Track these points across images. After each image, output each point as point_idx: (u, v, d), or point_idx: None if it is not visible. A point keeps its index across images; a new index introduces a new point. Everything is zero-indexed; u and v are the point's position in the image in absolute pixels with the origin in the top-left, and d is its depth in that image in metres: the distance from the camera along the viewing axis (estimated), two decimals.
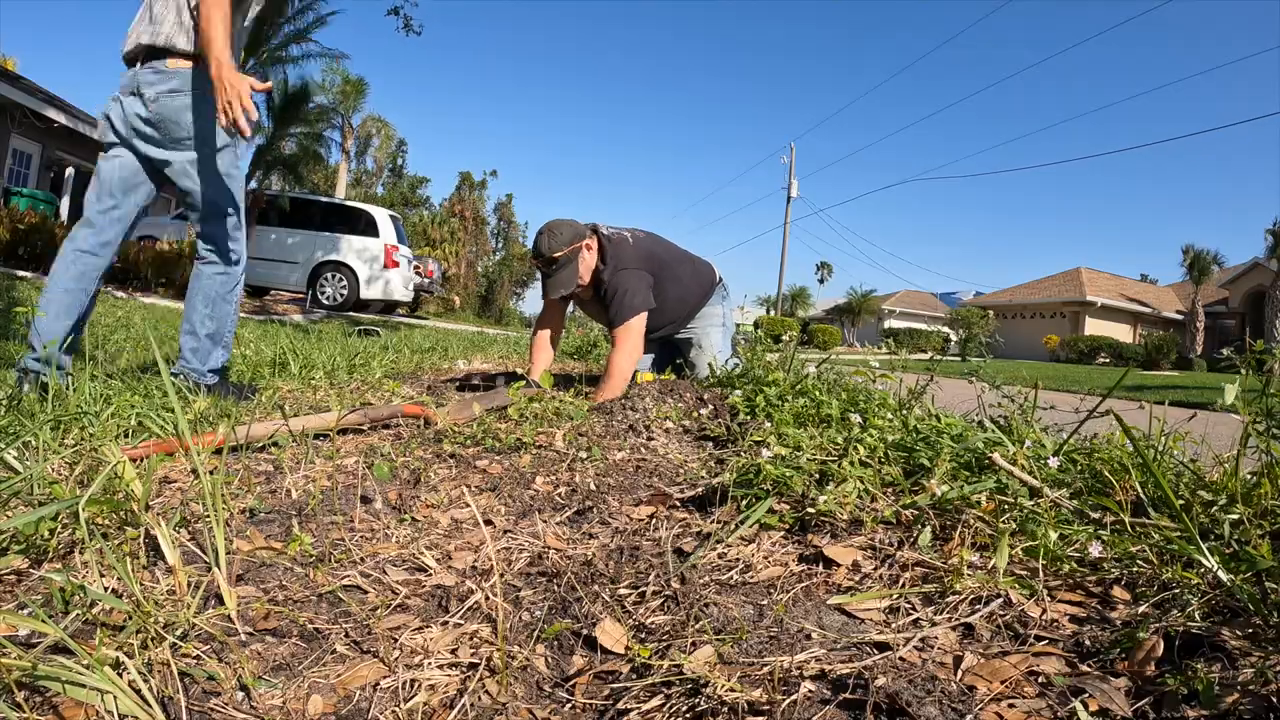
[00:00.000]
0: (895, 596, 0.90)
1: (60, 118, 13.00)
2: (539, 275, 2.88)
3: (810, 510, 1.15)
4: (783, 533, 1.15)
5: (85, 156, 14.43)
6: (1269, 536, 0.90)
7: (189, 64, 2.11)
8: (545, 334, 3.03)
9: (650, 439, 1.89)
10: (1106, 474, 1.12)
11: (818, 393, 2.00)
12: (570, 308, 3.24)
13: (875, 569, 1.00)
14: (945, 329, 33.54)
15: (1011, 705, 0.65)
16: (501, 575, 1.05)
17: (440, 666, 0.81)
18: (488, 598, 0.96)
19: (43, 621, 0.69)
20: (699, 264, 3.14)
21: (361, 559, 1.09)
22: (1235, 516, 0.94)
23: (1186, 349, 24.10)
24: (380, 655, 0.83)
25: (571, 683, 0.80)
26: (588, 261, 2.76)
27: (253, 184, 12.57)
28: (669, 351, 3.25)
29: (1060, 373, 12.60)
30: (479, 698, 0.76)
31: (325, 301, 11.89)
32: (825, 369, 2.56)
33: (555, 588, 1.00)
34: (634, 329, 2.71)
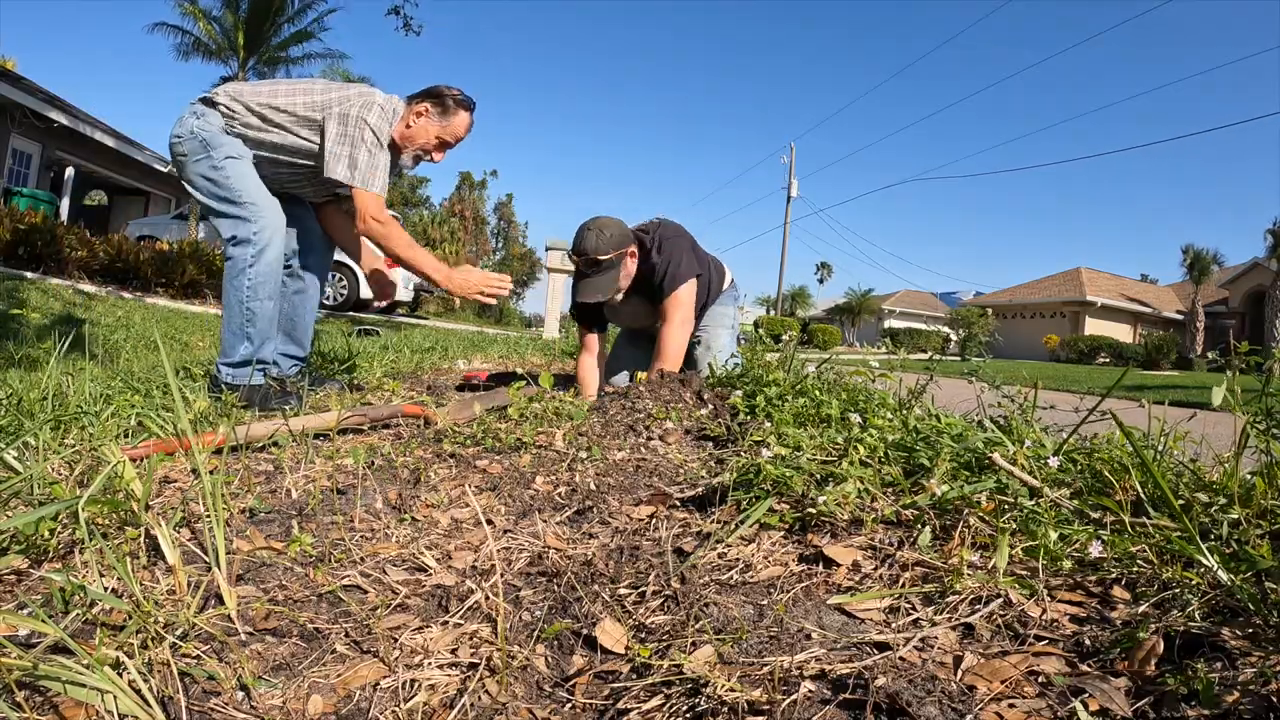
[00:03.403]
0: (895, 596, 0.90)
1: (61, 118, 13.00)
2: (573, 274, 2.66)
3: (810, 510, 1.14)
4: (783, 532, 1.15)
5: (85, 157, 14.43)
6: (1269, 536, 0.90)
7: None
8: (590, 365, 2.85)
9: (650, 439, 1.89)
10: (1106, 474, 1.12)
11: (818, 392, 2.00)
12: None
13: (875, 569, 1.00)
14: (945, 329, 33.53)
15: (1011, 705, 0.65)
16: (501, 575, 1.05)
17: (440, 666, 0.81)
18: (488, 598, 0.96)
19: (43, 621, 0.69)
20: (713, 259, 3.07)
21: (361, 559, 1.09)
22: (1235, 516, 0.94)
23: (1186, 349, 24.09)
24: (380, 655, 0.83)
25: (571, 683, 0.80)
26: (629, 270, 2.61)
27: None
28: None
29: (1060, 373, 12.61)
30: (479, 698, 0.76)
31: (325, 301, 11.86)
32: (825, 369, 2.56)
33: (555, 588, 1.00)
34: (684, 299, 2.55)
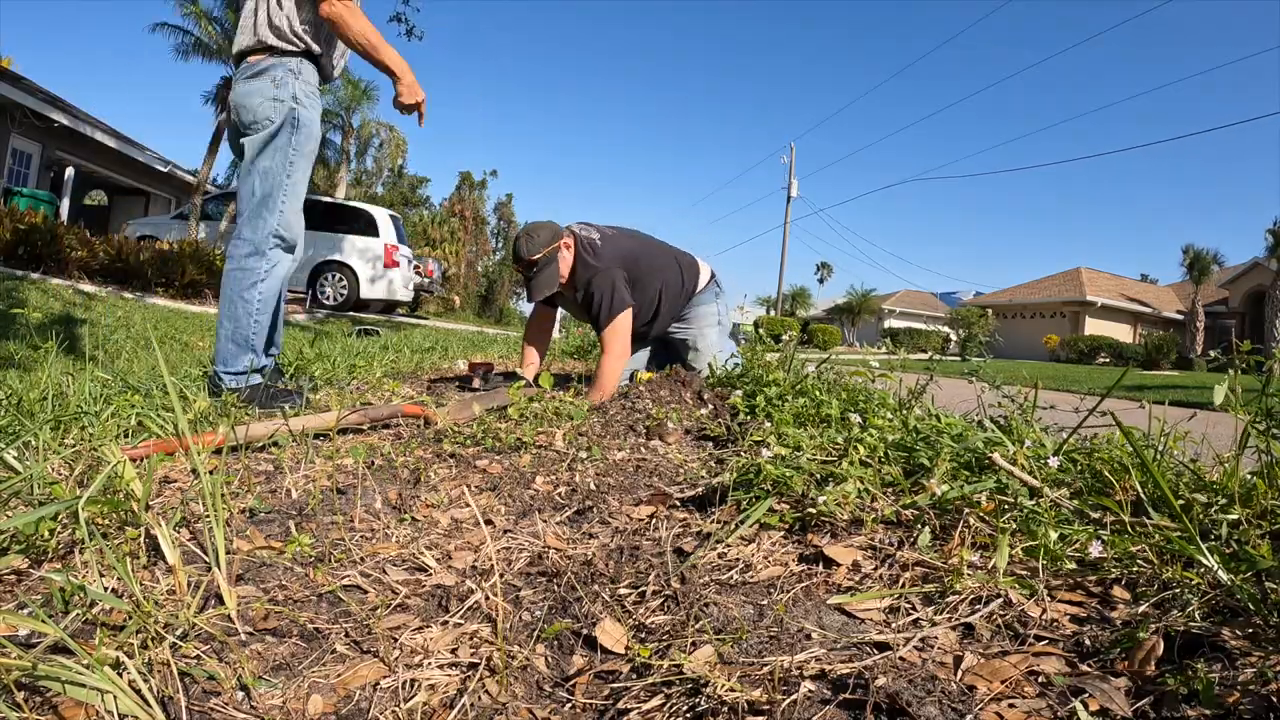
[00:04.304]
0: (895, 596, 0.90)
1: (61, 118, 13.00)
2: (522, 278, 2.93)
3: (810, 510, 1.14)
4: (783, 532, 1.15)
5: (85, 157, 14.43)
6: (1269, 536, 0.90)
7: (261, 56, 2.25)
8: (536, 334, 3.10)
9: (650, 439, 1.89)
10: (1106, 474, 1.12)
11: (818, 392, 2.00)
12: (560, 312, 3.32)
13: (875, 569, 1.00)
14: (945, 329, 33.53)
15: (1011, 705, 0.65)
16: (501, 575, 1.05)
17: (440, 666, 0.81)
18: (488, 597, 0.96)
19: (43, 621, 0.69)
20: (682, 257, 3.13)
21: (361, 559, 1.09)
22: (1235, 516, 0.94)
23: (1186, 349, 24.09)
24: (380, 655, 0.83)
25: (571, 683, 0.80)
26: (567, 259, 2.80)
27: None
28: (668, 353, 3.24)
29: (1060, 372, 12.60)
30: (479, 698, 0.76)
31: (325, 301, 11.89)
32: (825, 369, 2.56)
33: (555, 587, 1.01)
34: (620, 330, 2.72)
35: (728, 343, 3.17)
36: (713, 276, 3.20)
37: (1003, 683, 0.69)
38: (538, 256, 2.72)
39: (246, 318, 2.23)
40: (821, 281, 49.32)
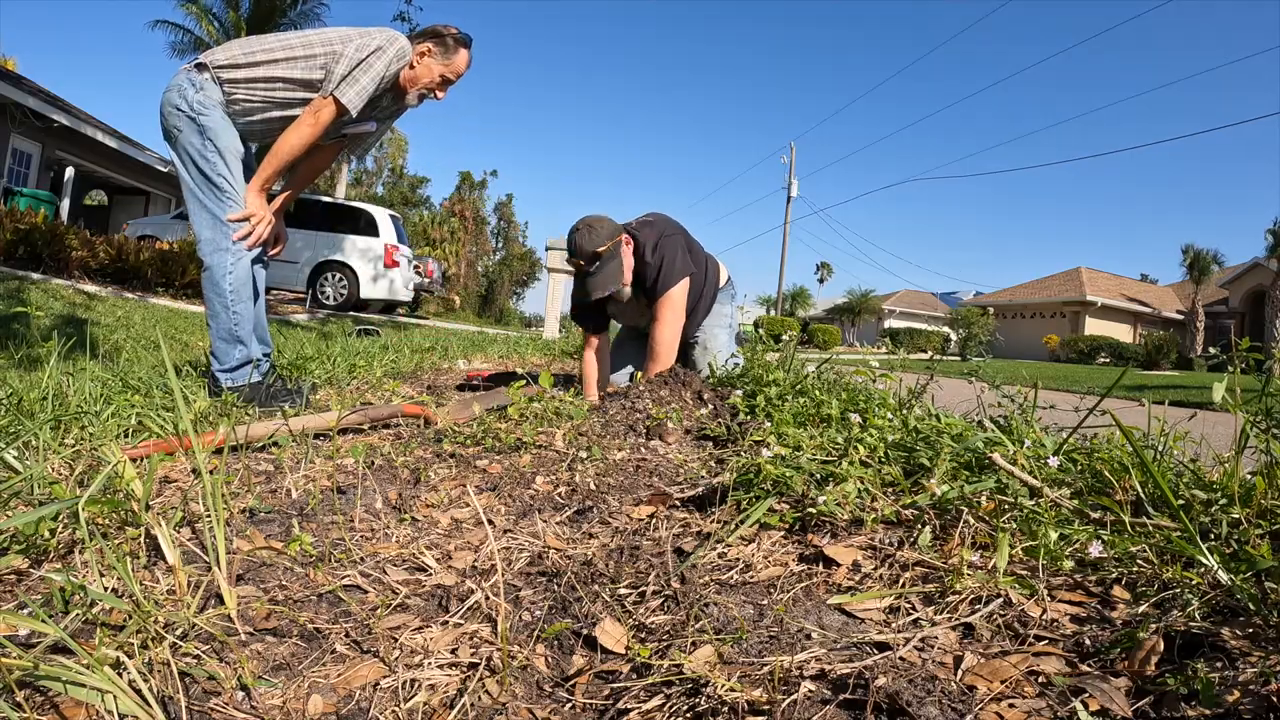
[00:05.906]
0: (895, 596, 0.90)
1: (61, 118, 13.00)
2: (575, 279, 2.65)
3: (810, 510, 1.14)
4: (783, 532, 1.15)
5: (85, 157, 14.43)
6: (1269, 536, 0.90)
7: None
8: (594, 356, 2.75)
9: (650, 439, 1.89)
10: (1106, 474, 1.12)
11: (818, 392, 2.00)
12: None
13: (875, 569, 1.00)
14: (945, 329, 33.54)
15: (1011, 705, 0.65)
16: (501, 575, 1.05)
17: (440, 666, 0.81)
18: (488, 597, 0.96)
19: (43, 621, 0.69)
20: (710, 257, 3.05)
21: (361, 559, 1.09)
22: (1235, 516, 0.94)
23: (1187, 349, 24.08)
24: (380, 655, 0.83)
25: (571, 682, 0.80)
26: (629, 257, 2.60)
27: None
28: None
29: (1060, 372, 12.61)
30: (479, 698, 0.76)
31: (326, 301, 11.89)
32: (825, 369, 2.56)
33: (555, 587, 1.01)
34: (676, 300, 2.58)
35: (733, 344, 3.15)
36: (729, 279, 3.12)
37: (1003, 683, 0.69)
38: (602, 249, 2.51)
39: (225, 311, 2.30)
40: (821, 281, 49.37)
